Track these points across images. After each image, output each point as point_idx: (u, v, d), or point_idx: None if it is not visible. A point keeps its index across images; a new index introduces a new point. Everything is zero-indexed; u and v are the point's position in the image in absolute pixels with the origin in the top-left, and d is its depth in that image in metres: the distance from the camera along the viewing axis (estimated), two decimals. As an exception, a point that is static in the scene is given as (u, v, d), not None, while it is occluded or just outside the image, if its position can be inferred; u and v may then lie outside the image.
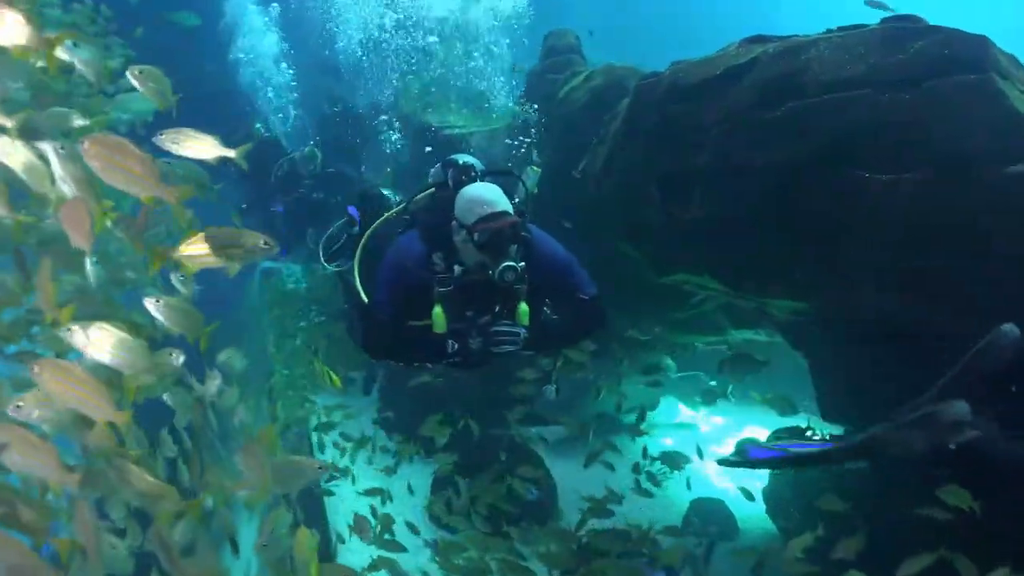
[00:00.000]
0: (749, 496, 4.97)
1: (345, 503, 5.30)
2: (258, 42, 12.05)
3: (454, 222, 3.13)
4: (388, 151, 9.53)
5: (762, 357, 4.73)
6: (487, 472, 4.98)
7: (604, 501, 4.41)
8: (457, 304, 3.18)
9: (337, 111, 10.59)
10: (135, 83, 3.17)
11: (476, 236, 3.00)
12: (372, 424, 6.81)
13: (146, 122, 4.09)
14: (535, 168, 6.74)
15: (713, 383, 7.15)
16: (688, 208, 3.92)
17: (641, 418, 6.36)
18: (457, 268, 3.15)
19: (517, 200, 3.37)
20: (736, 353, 4.91)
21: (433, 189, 3.65)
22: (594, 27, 9.47)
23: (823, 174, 3.36)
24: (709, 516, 5.45)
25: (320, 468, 3.25)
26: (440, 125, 7.84)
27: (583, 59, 7.05)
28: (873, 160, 3.25)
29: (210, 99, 9.63)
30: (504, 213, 3.03)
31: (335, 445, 5.82)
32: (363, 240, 3.78)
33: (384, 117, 9.78)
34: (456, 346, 3.14)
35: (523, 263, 3.06)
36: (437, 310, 3.12)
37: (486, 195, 3.10)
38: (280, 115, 11.86)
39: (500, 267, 2.97)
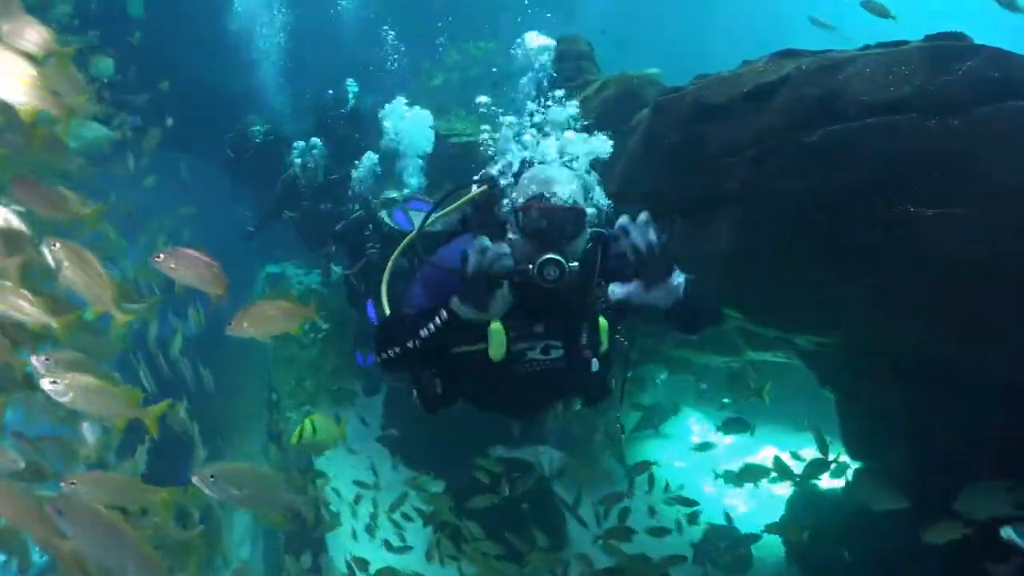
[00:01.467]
0: (772, 529, 4.77)
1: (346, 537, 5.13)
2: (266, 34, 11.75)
3: (507, 202, 2.56)
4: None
5: (755, 384, 4.57)
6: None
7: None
8: (521, 320, 2.54)
9: (343, 112, 10.30)
10: None
11: (522, 217, 2.42)
12: (376, 443, 6.61)
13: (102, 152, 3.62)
14: None
15: (726, 400, 6.99)
16: (713, 237, 3.67)
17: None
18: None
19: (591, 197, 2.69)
20: (735, 374, 4.70)
21: (484, 187, 2.93)
22: (606, 29, 9.17)
23: (864, 205, 3.10)
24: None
25: None
26: (446, 133, 7.53)
27: (596, 67, 6.79)
28: (919, 191, 3.00)
29: (208, 100, 9.44)
30: (564, 196, 2.43)
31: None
32: (390, 264, 3.36)
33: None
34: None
35: (576, 264, 2.41)
36: (495, 326, 2.48)
37: (550, 173, 2.51)
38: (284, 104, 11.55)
39: (541, 259, 2.34)
